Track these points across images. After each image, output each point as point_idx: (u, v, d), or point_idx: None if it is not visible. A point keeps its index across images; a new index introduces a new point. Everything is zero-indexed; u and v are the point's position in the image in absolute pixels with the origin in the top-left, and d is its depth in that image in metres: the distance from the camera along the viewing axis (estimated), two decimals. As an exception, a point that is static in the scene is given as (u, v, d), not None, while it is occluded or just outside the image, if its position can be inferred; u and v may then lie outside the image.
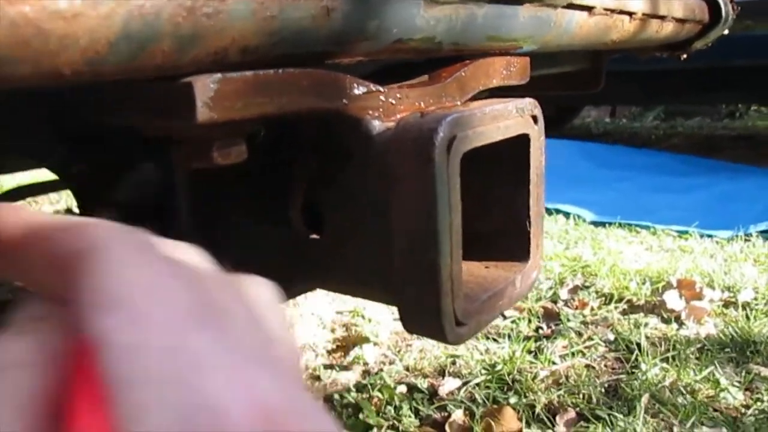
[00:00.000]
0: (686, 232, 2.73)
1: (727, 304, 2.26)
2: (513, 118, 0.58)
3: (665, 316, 2.22)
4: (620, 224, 2.84)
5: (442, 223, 0.50)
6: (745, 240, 2.64)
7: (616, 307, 2.28)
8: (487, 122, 0.54)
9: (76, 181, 0.63)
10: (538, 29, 0.72)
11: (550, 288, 2.45)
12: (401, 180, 0.51)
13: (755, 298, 2.25)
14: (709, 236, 2.71)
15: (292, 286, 0.64)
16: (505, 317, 2.25)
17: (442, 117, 0.50)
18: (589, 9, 0.80)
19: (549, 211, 2.97)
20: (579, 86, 1.43)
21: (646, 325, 2.11)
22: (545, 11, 0.71)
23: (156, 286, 0.22)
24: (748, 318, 2.09)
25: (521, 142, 0.61)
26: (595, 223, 2.88)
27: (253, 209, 0.63)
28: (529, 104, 0.61)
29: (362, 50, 0.52)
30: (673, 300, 2.27)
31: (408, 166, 0.50)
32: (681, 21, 1.14)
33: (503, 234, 0.64)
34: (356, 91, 0.53)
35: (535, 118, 0.62)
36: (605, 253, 2.60)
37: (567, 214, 2.94)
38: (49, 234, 0.24)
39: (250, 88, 0.45)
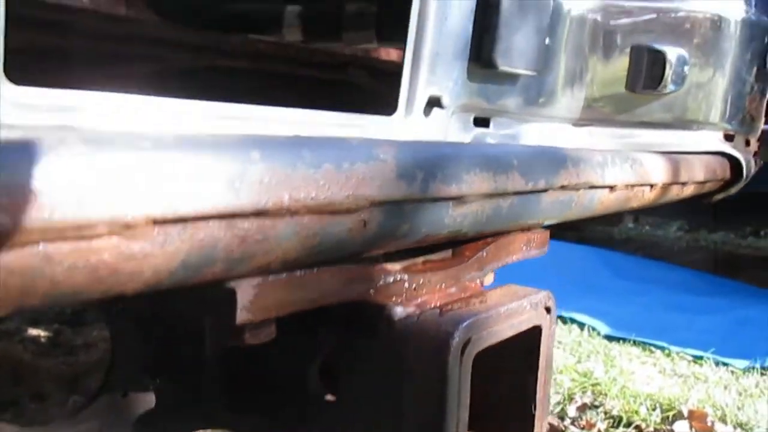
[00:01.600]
0: (701, 358, 2.69)
1: (738, 442, 2.20)
2: (527, 313, 0.62)
3: (674, 447, 2.17)
4: (635, 342, 2.82)
5: (450, 417, 0.53)
6: (762, 373, 2.60)
7: (624, 432, 2.24)
8: (501, 321, 0.58)
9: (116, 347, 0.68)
10: (559, 210, 0.76)
11: (558, 403, 2.43)
12: (415, 373, 0.54)
13: (768, 439, 2.20)
14: (725, 364, 2.67)
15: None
16: (510, 430, 2.22)
17: (459, 321, 0.54)
18: (611, 187, 0.85)
19: (564, 320, 2.97)
20: (601, 221, 1.48)
21: (653, 455, 2.07)
22: (568, 194, 0.76)
23: None
24: (758, 461, 2.04)
25: (534, 330, 0.65)
26: (609, 338, 2.86)
27: (276, 370, 0.67)
28: (544, 297, 0.65)
29: (393, 246, 0.57)
30: (683, 431, 2.23)
31: (423, 362, 0.54)
32: (702, 182, 1.19)
33: (510, 414, 0.67)
34: (383, 282, 0.58)
35: (548, 309, 0.66)
36: (617, 372, 2.58)
37: (582, 324, 2.93)
38: None
39: (287, 289, 0.50)
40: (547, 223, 0.78)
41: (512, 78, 1.15)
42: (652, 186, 0.97)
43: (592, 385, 2.49)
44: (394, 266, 0.62)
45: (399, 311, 0.59)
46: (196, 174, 0.39)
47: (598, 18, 1.26)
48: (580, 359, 2.67)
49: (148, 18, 1.13)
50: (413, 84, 0.99)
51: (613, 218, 4.72)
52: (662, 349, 2.76)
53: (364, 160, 0.49)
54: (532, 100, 1.22)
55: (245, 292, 0.47)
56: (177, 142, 0.40)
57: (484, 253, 0.69)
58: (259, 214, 0.43)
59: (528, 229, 0.77)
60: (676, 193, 1.09)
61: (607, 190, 0.84)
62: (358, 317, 0.60)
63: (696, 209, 3.84)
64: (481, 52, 1.06)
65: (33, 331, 2.55)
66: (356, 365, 0.61)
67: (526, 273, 3.68)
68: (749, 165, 1.38)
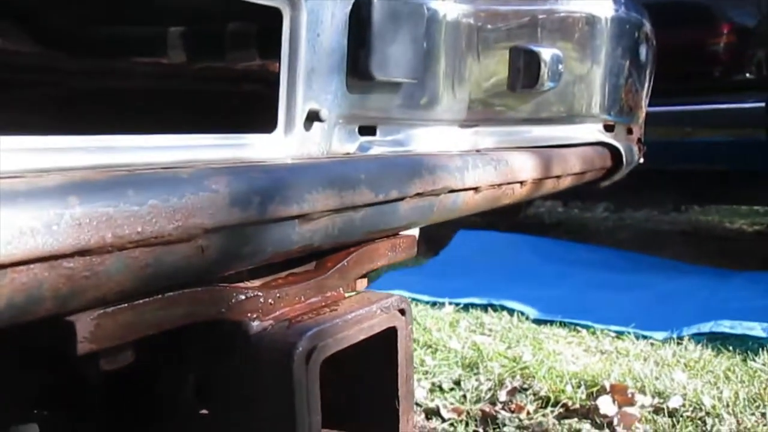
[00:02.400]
0: (623, 333, 2.83)
1: (657, 411, 2.33)
2: (377, 317, 0.67)
3: (598, 421, 2.28)
4: (561, 323, 2.94)
5: (301, 422, 0.58)
6: (678, 343, 2.74)
7: (552, 411, 2.34)
8: (349, 327, 0.63)
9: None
10: (420, 215, 0.82)
11: (490, 389, 2.51)
12: (268, 383, 0.59)
13: (683, 405, 2.33)
14: (645, 337, 2.81)
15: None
16: (443, 419, 2.31)
17: (304, 331, 0.59)
18: (474, 189, 0.91)
19: (495, 308, 3.06)
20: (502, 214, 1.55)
21: (579, 431, 2.17)
22: (427, 200, 0.81)
23: None
24: (674, 426, 2.16)
25: (392, 331, 0.70)
26: (538, 321, 2.97)
27: (155, 388, 0.70)
28: (396, 301, 0.70)
29: (241, 266, 0.61)
30: (606, 405, 2.33)
31: (274, 372, 0.58)
32: (580, 173, 1.27)
33: (377, 410, 0.72)
34: (236, 299, 0.62)
35: (402, 311, 0.71)
36: (545, 354, 2.68)
37: (512, 311, 3.04)
38: None
39: (130, 317, 0.53)
40: (412, 227, 0.84)
41: (393, 87, 1.20)
42: (522, 183, 1.03)
43: (521, 369, 2.59)
44: (253, 283, 0.66)
45: (255, 326, 0.63)
46: (10, 223, 0.43)
47: (475, 22, 1.32)
48: (509, 345, 2.76)
49: (29, 49, 1.14)
50: (291, 100, 1.04)
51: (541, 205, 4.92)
52: (587, 327, 2.88)
53: (194, 191, 0.53)
54: (415, 105, 1.28)
55: (84, 323, 0.51)
56: (-9, 194, 0.43)
57: (346, 263, 0.74)
58: (82, 253, 0.47)
59: (393, 235, 0.82)
60: (552, 185, 1.16)
61: (471, 191, 0.90)
62: (216, 335, 0.64)
63: (621, 190, 4.01)
64: (358, 64, 1.11)
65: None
66: (222, 379, 0.65)
67: (459, 265, 3.77)
68: (630, 153, 1.47)
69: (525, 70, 1.31)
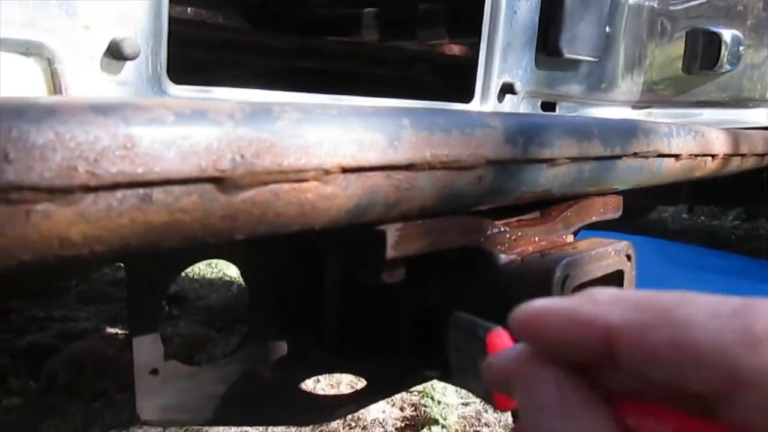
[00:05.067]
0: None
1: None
2: (611, 258, 0.73)
3: None
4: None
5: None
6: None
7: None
8: (592, 262, 0.69)
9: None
10: (631, 176, 0.87)
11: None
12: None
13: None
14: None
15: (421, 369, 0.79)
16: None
17: (559, 259, 0.65)
18: (676, 156, 0.94)
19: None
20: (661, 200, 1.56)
21: None
22: (639, 161, 0.86)
23: None
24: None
25: (617, 275, 0.76)
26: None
27: (392, 310, 0.79)
28: (625, 246, 0.75)
29: (497, 202, 0.68)
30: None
31: (528, 297, 0.65)
32: (762, 155, 1.27)
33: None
34: (490, 232, 0.69)
35: (629, 257, 0.76)
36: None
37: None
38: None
39: (421, 233, 0.62)
40: (621, 187, 0.88)
41: (576, 64, 1.25)
42: (713, 156, 1.05)
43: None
44: (497, 221, 0.73)
45: (503, 257, 0.70)
46: (369, 135, 0.52)
47: (655, 5, 1.35)
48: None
49: (241, 25, 1.28)
50: (488, 73, 1.11)
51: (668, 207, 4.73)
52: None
53: (481, 126, 0.61)
54: (594, 85, 1.33)
55: (392, 234, 0.59)
56: (355, 111, 0.52)
57: (569, 213, 0.80)
58: (409, 167, 0.55)
59: (604, 193, 0.87)
60: (737, 164, 1.17)
61: (672, 159, 0.94)
62: (470, 263, 0.72)
63: (754, 197, 3.81)
64: (548, 41, 1.18)
65: (111, 329, 2.72)
66: (476, 304, 0.73)
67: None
68: (806, 139, 1.44)
69: (704, 52, 1.32)
